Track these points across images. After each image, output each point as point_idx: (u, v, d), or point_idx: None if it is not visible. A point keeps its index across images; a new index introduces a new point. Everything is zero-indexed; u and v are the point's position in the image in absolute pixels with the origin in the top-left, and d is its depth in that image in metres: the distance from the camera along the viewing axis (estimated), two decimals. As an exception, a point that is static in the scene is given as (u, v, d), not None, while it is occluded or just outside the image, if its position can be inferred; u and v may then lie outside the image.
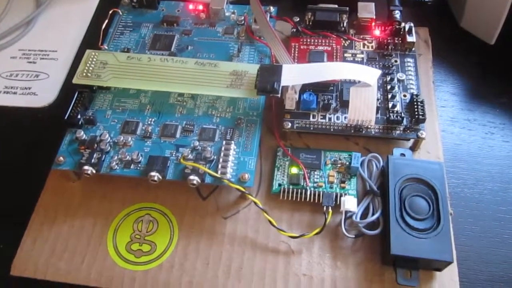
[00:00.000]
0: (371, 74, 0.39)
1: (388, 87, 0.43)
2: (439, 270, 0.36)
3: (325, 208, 0.38)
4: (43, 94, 0.48)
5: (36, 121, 0.47)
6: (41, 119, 0.47)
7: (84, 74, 0.42)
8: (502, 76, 0.48)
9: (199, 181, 0.37)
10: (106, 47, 0.46)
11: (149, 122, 0.41)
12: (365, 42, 0.46)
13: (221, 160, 0.38)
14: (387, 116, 0.41)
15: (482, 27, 0.49)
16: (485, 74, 0.49)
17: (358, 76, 0.39)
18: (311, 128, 0.41)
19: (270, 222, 0.37)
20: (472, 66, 0.49)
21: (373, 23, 0.47)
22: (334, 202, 0.38)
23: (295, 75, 0.40)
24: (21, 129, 0.46)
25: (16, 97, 0.48)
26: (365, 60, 0.45)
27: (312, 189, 0.39)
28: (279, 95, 0.39)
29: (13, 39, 0.52)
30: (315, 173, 0.40)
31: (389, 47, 0.46)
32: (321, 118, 0.42)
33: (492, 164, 0.43)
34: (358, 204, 0.38)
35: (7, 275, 0.37)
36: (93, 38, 0.48)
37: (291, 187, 0.39)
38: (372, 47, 0.46)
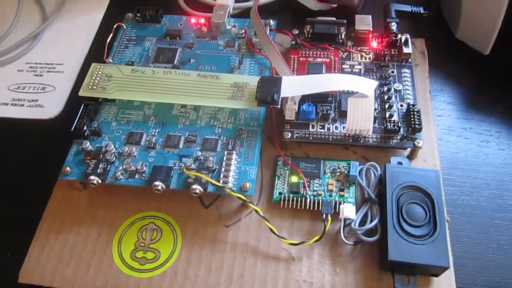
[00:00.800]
0: (368, 85, 0.40)
1: (385, 97, 0.44)
2: (436, 275, 0.37)
3: (324, 215, 0.39)
4: (50, 106, 0.49)
5: (42, 133, 0.48)
6: (48, 131, 0.48)
7: (90, 86, 0.43)
8: (497, 85, 0.49)
9: (201, 190, 0.38)
10: (111, 60, 0.47)
11: (153, 133, 0.42)
12: (363, 53, 0.48)
13: (223, 169, 0.39)
14: (385, 125, 0.42)
15: (477, 37, 0.50)
16: (480, 84, 0.50)
17: (356, 87, 0.40)
18: (311, 138, 0.42)
19: (271, 229, 0.38)
20: (468, 75, 0.50)
21: (370, 35, 0.48)
22: (333, 210, 0.39)
23: (294, 86, 0.41)
24: (28, 141, 0.48)
25: (24, 109, 0.49)
26: (362, 71, 0.46)
27: (311, 197, 0.40)
28: (278, 106, 0.40)
29: (20, 53, 0.54)
30: (315, 181, 0.41)
31: (386, 58, 0.47)
32: (320, 128, 0.43)
33: (488, 172, 0.44)
34: (356, 212, 0.39)
35: (15, 282, 0.38)
36: (98, 52, 0.49)
37: (291, 195, 0.40)
38: (369, 58, 0.47)
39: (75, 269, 0.38)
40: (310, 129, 0.43)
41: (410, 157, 0.43)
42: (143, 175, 0.40)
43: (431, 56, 0.49)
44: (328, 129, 0.43)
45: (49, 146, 0.46)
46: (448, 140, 0.46)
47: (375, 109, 0.42)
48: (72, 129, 0.41)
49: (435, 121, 0.46)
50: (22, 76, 0.52)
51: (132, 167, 0.40)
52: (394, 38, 0.47)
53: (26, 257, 0.39)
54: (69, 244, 0.40)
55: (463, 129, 0.47)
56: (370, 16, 0.48)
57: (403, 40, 0.47)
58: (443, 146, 0.46)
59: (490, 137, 0.46)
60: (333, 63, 0.45)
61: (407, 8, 0.49)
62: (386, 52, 0.47)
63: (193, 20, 0.50)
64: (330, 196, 0.40)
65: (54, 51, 0.54)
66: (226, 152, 0.40)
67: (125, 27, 0.50)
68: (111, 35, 0.48)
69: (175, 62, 0.47)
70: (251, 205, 0.38)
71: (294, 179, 0.41)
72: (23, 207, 0.43)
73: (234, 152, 0.40)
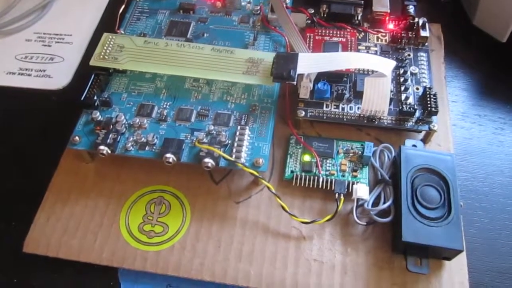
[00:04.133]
0: (386, 65, 0.39)
1: (401, 79, 0.43)
2: (449, 259, 0.36)
3: (337, 195, 0.38)
4: (58, 77, 0.48)
5: (50, 104, 0.47)
6: (56, 101, 0.47)
7: (101, 56, 0.42)
8: (513, 73, 0.49)
9: (213, 164, 0.37)
10: (123, 32, 0.46)
11: (164, 106, 0.41)
12: (379, 35, 0.47)
13: (235, 144, 0.38)
14: (400, 107, 0.41)
15: (495, 25, 0.49)
16: (496, 71, 0.49)
17: (374, 66, 0.39)
18: (324, 117, 0.42)
19: (282, 207, 0.37)
20: (484, 63, 0.50)
21: (387, 17, 0.47)
22: (346, 190, 0.38)
23: (311, 63, 0.40)
24: (36, 111, 0.47)
25: (31, 79, 0.48)
26: (378, 53, 0.46)
27: (324, 176, 0.39)
28: (295, 83, 0.40)
29: (28, 22, 0.53)
30: (327, 161, 0.40)
31: (403, 41, 0.46)
32: (334, 108, 0.42)
33: (501, 159, 0.43)
34: (369, 193, 0.38)
35: (20, 252, 0.37)
36: (108, 23, 0.48)
37: (303, 174, 0.39)
38: (385, 40, 0.47)
39: (81, 240, 0.38)
40: (324, 108, 0.42)
41: (424, 140, 0.42)
42: (154, 147, 0.39)
43: (447, 41, 0.49)
44: (343, 109, 0.42)
45: (57, 117, 0.46)
46: (462, 126, 0.46)
47: (390, 91, 0.42)
48: (82, 98, 0.41)
49: (449, 107, 0.45)
50: (30, 46, 0.51)
51: (143, 138, 0.39)
52: (411, 21, 0.46)
53: (31, 227, 0.38)
54: (76, 216, 0.39)
55: (477, 115, 0.46)
56: (388, -2, 0.48)
57: (420, 24, 0.46)
58: (457, 131, 0.45)
59: (504, 125, 0.46)
60: (349, 43, 0.45)
61: (425, -9, 0.49)
62: (403, 35, 0.46)
63: (207, -5, 0.49)
64: (343, 176, 0.39)
65: (63, 21, 0.53)
66: (239, 127, 0.39)
67: (137, -1, 0.49)
68: (123, 6, 0.47)
69: (188, 36, 0.46)
70: (263, 181, 0.38)
71: (307, 158, 0.40)
72: (29, 177, 0.43)
73: (247, 127, 0.39)
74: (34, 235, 0.38)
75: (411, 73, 0.44)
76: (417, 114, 0.41)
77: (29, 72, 0.49)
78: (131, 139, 0.39)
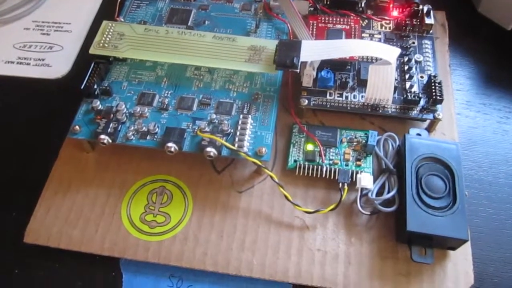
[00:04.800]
0: (391, 52, 0.39)
1: (406, 68, 0.43)
2: (453, 249, 0.36)
3: (340, 184, 0.38)
4: (57, 66, 0.48)
5: (49, 93, 0.46)
6: (55, 90, 0.47)
7: (101, 44, 0.42)
8: (518, 62, 0.48)
9: (215, 153, 0.37)
10: (122, 20, 0.45)
11: (165, 95, 0.41)
12: (383, 22, 0.46)
13: (238, 133, 0.38)
14: (404, 96, 0.41)
15: (500, 12, 0.49)
16: (501, 60, 0.49)
17: (379, 54, 0.39)
18: (328, 106, 0.41)
19: (285, 196, 0.37)
20: (489, 51, 0.49)
21: (391, 4, 0.46)
22: (349, 179, 0.38)
23: (314, 51, 0.39)
24: (35, 100, 0.46)
25: (30, 68, 0.48)
26: (382, 41, 0.45)
27: (327, 165, 0.39)
28: (298, 70, 0.39)
29: (27, 11, 0.52)
30: (331, 150, 0.40)
31: (407, 28, 0.45)
32: (338, 96, 0.41)
33: (506, 148, 0.43)
34: (373, 182, 0.38)
35: (21, 242, 0.37)
36: (108, 11, 0.47)
37: (306, 163, 0.39)
38: (389, 28, 0.46)
39: (83, 230, 0.37)
40: (328, 97, 0.41)
41: (429, 129, 0.42)
42: (155, 136, 0.38)
43: (452, 29, 0.48)
44: (346, 97, 0.41)
45: (57, 107, 0.45)
46: (467, 115, 0.45)
47: (395, 79, 0.41)
48: (82, 87, 0.40)
49: (454, 95, 0.45)
50: (29, 34, 0.50)
51: (144, 127, 0.38)
52: (415, 8, 0.45)
53: (32, 217, 0.38)
54: (77, 206, 0.39)
55: (482, 104, 0.46)
56: (392, -15, 0.47)
57: (425, 11, 0.45)
58: (461, 120, 0.44)
59: (509, 114, 0.45)
60: (353, 30, 0.44)
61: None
62: (407, 22, 0.45)
63: (208, -18, 0.48)
64: (347, 165, 0.39)
65: (62, 9, 0.52)
66: (241, 116, 0.39)
67: (137, -14, 0.48)
68: (123, -7, 0.47)
69: (189, 24, 0.45)
70: (266, 170, 0.37)
71: (310, 147, 0.40)
72: (30, 167, 0.42)
73: (249, 116, 0.39)
74: (35, 225, 0.38)
75: (416, 61, 0.43)
76: (422, 102, 0.41)
77: (28, 61, 0.48)
78: (132, 128, 0.39)
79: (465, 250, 0.36)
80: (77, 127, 0.39)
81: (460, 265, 0.36)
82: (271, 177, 0.37)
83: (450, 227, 0.34)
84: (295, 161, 0.39)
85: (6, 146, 0.43)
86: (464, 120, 0.45)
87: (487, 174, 0.41)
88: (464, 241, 0.34)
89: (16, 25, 0.51)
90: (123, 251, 0.37)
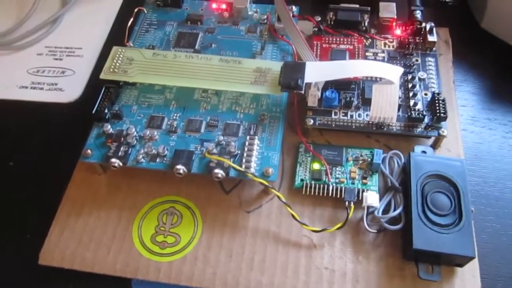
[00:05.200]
0: (394, 72, 0.39)
1: (409, 85, 0.44)
2: (461, 266, 0.36)
3: (347, 203, 0.38)
4: (69, 90, 0.49)
5: (62, 117, 0.48)
6: (67, 114, 0.48)
7: (111, 70, 0.43)
8: (523, 76, 0.48)
9: (223, 174, 0.38)
10: (132, 44, 0.47)
11: (174, 117, 0.42)
12: (386, 41, 0.47)
13: (245, 154, 0.39)
14: (409, 114, 0.41)
15: (503, 27, 0.49)
16: (505, 74, 0.49)
17: (381, 74, 0.40)
18: (333, 125, 0.42)
19: (292, 216, 0.37)
20: (493, 66, 0.50)
21: (394, 23, 0.47)
22: (356, 198, 0.38)
23: (318, 72, 0.40)
24: (48, 124, 0.47)
25: (43, 92, 0.49)
26: (386, 59, 0.46)
27: (334, 184, 0.39)
28: (302, 92, 0.40)
29: (40, 37, 0.53)
30: (337, 169, 0.40)
31: (410, 46, 0.46)
32: (343, 116, 0.42)
33: (513, 163, 0.43)
34: (379, 200, 0.38)
35: (35, 264, 0.38)
36: (118, 36, 0.49)
37: (313, 182, 0.40)
38: (393, 46, 0.47)
39: (95, 252, 0.38)
40: (333, 116, 0.42)
41: (434, 146, 0.42)
42: (165, 158, 0.39)
43: (455, 45, 0.49)
44: (351, 116, 0.42)
45: (69, 130, 0.46)
46: (472, 130, 0.45)
47: (399, 97, 0.42)
48: (93, 111, 0.41)
49: (458, 111, 0.45)
50: (42, 59, 0.52)
51: (154, 150, 0.39)
52: (418, 26, 0.46)
53: (46, 240, 0.39)
54: (89, 227, 0.40)
55: (487, 119, 0.46)
56: (394, 4, 0.47)
57: (427, 28, 0.46)
58: (467, 136, 0.45)
59: (515, 129, 0.45)
60: (356, 50, 0.45)
61: (432, -5, 0.49)
62: (410, 40, 0.46)
63: (214, 5, 0.49)
64: (353, 184, 0.40)
65: (73, 35, 0.54)
66: (248, 137, 0.40)
67: (145, 12, 0.50)
68: (132, 19, 0.48)
69: (196, 47, 0.46)
70: (273, 190, 0.38)
71: (316, 166, 0.40)
72: (43, 189, 0.43)
73: (256, 137, 0.40)
74: (49, 248, 0.39)
75: (419, 79, 0.44)
76: (426, 120, 0.41)
77: (41, 85, 0.50)
78: (142, 151, 0.40)
79: (473, 267, 0.36)
80: (88, 151, 0.40)
81: (468, 282, 0.36)
82: (278, 197, 0.38)
83: (456, 244, 0.35)
84: (301, 180, 0.40)
85: (21, 170, 0.45)
86: (470, 136, 0.45)
87: (493, 190, 0.42)
88: (471, 258, 0.35)
89: (30, 50, 0.53)
90: (135, 271, 0.37)
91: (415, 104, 0.42)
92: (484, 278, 0.36)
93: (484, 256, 0.38)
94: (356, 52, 0.45)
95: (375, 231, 0.38)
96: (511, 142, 0.44)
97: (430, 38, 0.45)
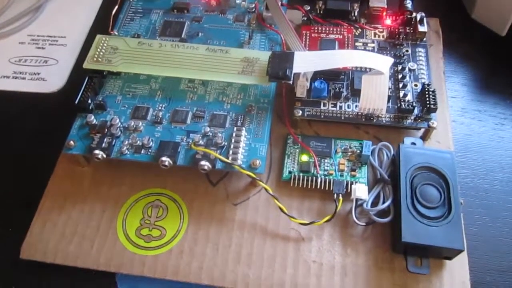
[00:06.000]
0: (383, 62, 0.39)
1: (399, 76, 0.43)
2: (449, 258, 0.36)
3: (335, 195, 0.38)
4: (52, 80, 0.48)
5: (45, 107, 0.47)
6: (50, 104, 0.47)
7: (95, 59, 0.42)
8: (513, 67, 0.48)
9: (210, 166, 0.37)
10: (116, 33, 0.45)
11: (159, 108, 0.41)
12: (376, 31, 0.46)
13: (232, 146, 0.38)
14: (398, 105, 0.41)
15: (494, 18, 0.49)
16: (495, 66, 0.49)
17: (371, 64, 0.39)
18: (322, 116, 0.41)
19: (280, 208, 0.37)
20: (483, 57, 0.49)
21: (384, 13, 0.46)
22: (345, 190, 0.38)
23: (307, 62, 0.40)
24: (30, 115, 0.46)
25: (25, 82, 0.48)
26: (376, 50, 0.45)
27: (322, 176, 0.39)
28: (291, 82, 0.39)
29: (22, 25, 0.52)
30: (326, 161, 0.40)
31: (400, 36, 0.45)
32: (332, 107, 0.42)
33: (502, 155, 0.43)
34: (368, 192, 0.38)
35: (17, 258, 0.37)
36: (102, 25, 0.47)
37: (301, 174, 0.39)
38: (383, 36, 0.46)
39: (79, 246, 0.37)
40: (322, 107, 0.41)
41: (424, 138, 0.42)
42: (150, 150, 0.38)
43: (446, 36, 0.48)
44: (340, 107, 0.41)
45: (52, 121, 0.45)
46: (462, 122, 0.45)
47: (388, 88, 0.41)
48: (76, 102, 0.40)
49: (448, 103, 0.45)
50: (24, 48, 0.51)
51: (138, 142, 0.38)
52: (409, 16, 0.46)
53: (28, 233, 0.38)
54: (72, 221, 0.39)
55: (477, 111, 0.46)
56: (385, -7, 0.47)
57: (418, 19, 0.45)
58: (456, 128, 0.44)
59: (504, 120, 0.45)
60: (346, 40, 0.44)
61: (422, -15, 0.48)
62: (400, 30, 0.45)
63: (201, -7, 0.48)
64: (342, 176, 0.39)
65: (56, 23, 0.52)
66: (235, 129, 0.39)
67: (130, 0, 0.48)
68: (116, 7, 0.47)
69: (182, 36, 0.45)
70: (260, 183, 0.37)
71: (305, 158, 0.40)
72: (25, 182, 0.42)
73: (243, 128, 0.39)
74: (31, 241, 0.38)
75: (409, 69, 0.44)
76: (416, 111, 0.41)
77: (23, 75, 0.48)
78: (126, 142, 0.39)
79: (462, 260, 0.36)
80: (71, 142, 0.39)
81: (456, 274, 0.36)
82: (266, 189, 0.37)
83: (445, 237, 0.34)
84: (290, 172, 0.39)
85: (1, 161, 0.44)
86: (459, 127, 0.45)
87: (482, 182, 0.41)
88: (460, 251, 0.34)
89: (11, 39, 0.51)
90: (119, 266, 0.36)
91: (405, 95, 0.42)
92: (473, 271, 0.36)
93: (473, 249, 0.37)
94: (346, 42, 0.44)
95: (364, 224, 0.37)
96: (500, 133, 0.44)
97: (421, 29, 0.45)
